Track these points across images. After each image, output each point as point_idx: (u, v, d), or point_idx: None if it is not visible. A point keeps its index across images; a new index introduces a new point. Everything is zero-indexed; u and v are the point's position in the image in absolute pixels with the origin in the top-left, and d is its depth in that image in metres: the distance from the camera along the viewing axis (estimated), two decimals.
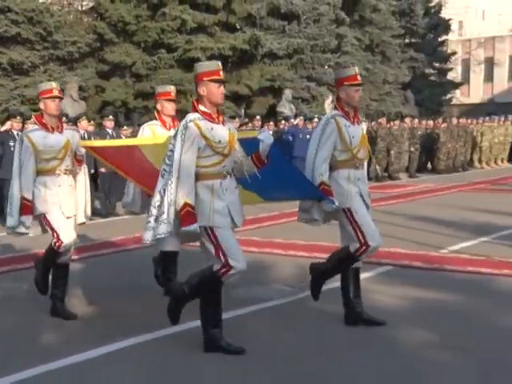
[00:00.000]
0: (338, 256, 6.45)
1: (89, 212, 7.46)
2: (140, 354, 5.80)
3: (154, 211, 5.57)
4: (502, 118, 28.31)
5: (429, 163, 25.79)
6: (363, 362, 5.33)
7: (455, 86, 46.45)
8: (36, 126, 7.12)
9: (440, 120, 25.81)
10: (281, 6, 28.31)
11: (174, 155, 5.52)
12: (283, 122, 21.41)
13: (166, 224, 5.47)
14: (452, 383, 5.14)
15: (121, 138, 13.82)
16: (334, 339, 5.84)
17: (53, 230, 6.89)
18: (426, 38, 41.99)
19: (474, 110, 51.78)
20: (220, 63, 5.91)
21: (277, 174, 5.89)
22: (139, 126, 17.86)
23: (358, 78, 6.49)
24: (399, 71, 36.71)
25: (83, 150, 7.15)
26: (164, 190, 5.52)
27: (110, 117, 15.29)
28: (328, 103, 28.72)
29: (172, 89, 7.95)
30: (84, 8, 28.23)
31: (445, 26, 44.06)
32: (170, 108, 7.75)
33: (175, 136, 5.60)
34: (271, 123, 20.12)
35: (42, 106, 7.02)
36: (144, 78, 25.60)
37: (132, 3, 25.84)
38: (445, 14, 44.88)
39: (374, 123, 24.14)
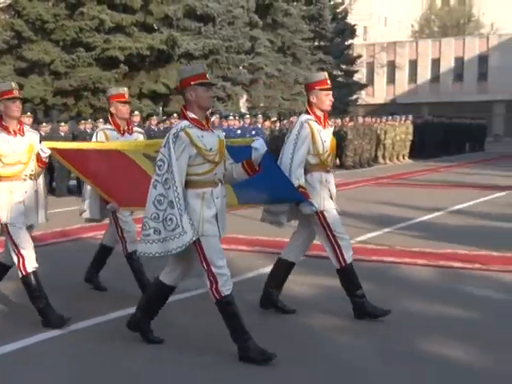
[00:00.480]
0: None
1: (45, 215, 6.65)
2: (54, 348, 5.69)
3: (151, 223, 5.18)
4: (403, 118, 29.02)
5: (337, 159, 26.04)
6: (275, 347, 5.32)
7: (361, 87, 47.54)
8: None
9: (347, 119, 26.14)
10: (197, 8, 28.28)
11: (170, 165, 5.12)
12: None
13: (183, 235, 5.11)
14: (357, 361, 5.21)
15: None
16: (249, 326, 5.83)
17: (17, 248, 6.21)
18: (334, 42, 42.61)
19: (378, 110, 52.90)
20: (205, 66, 5.70)
21: (263, 178, 5.59)
22: (58, 122, 17.76)
23: (328, 82, 6.32)
24: (309, 72, 37.05)
25: (48, 152, 6.53)
26: (158, 202, 5.15)
27: (28, 113, 14.74)
28: (243, 102, 28.77)
29: (125, 90, 7.43)
30: (1, 5, 27.46)
31: (351, 31, 45.07)
32: (124, 110, 7.22)
33: (165, 145, 5.19)
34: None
35: (1, 108, 6.26)
36: (63, 76, 25.15)
37: (50, 2, 25.48)
38: (351, 19, 45.89)
39: (285, 121, 24.26)
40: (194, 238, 5.13)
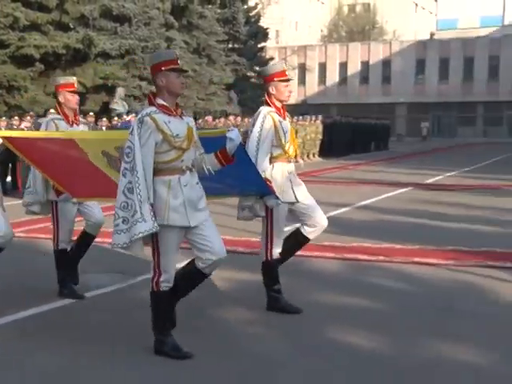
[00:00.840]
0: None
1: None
2: None
3: (120, 213, 4.89)
4: (314, 118, 29.41)
5: None
6: (188, 341, 5.26)
7: None
8: None
9: None
10: (113, 8, 27.98)
11: (134, 152, 4.85)
12: (116, 118, 21.17)
13: (141, 223, 4.81)
14: (270, 353, 5.19)
15: None
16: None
17: None
18: (248, 44, 42.81)
19: (290, 110, 52.88)
20: (177, 52, 5.42)
21: (232, 170, 5.37)
22: None
23: (286, 73, 6.18)
24: (224, 73, 37.18)
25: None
26: (128, 190, 4.85)
27: None
28: None
29: (74, 80, 7.02)
30: None
31: (263, 34, 45.42)
32: (73, 100, 6.83)
33: (132, 132, 4.91)
34: (104, 119, 19.71)
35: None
36: None
37: None
38: (263, 23, 46.27)
39: (200, 120, 24.21)
40: (154, 230, 4.85)
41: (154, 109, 5.00)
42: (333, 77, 66.62)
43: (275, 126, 6.04)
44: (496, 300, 6.61)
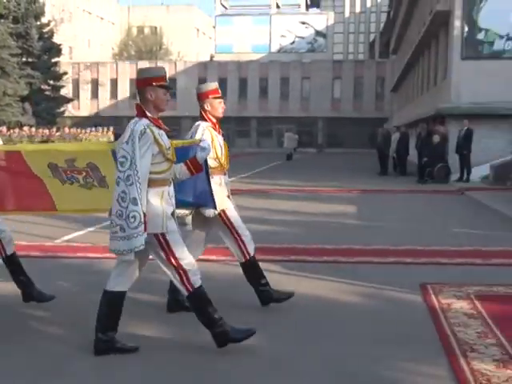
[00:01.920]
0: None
1: None
2: None
3: (117, 221, 4.56)
4: (106, 129, 29.18)
5: None
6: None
7: (67, 100, 47.37)
8: None
9: (54, 129, 25.59)
10: None
11: (134, 162, 4.53)
12: None
13: (142, 236, 4.56)
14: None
15: None
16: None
17: None
18: (42, 59, 41.63)
19: (84, 122, 52.37)
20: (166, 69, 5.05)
21: (189, 180, 5.25)
22: None
23: (219, 91, 6.00)
24: (18, 86, 35.87)
25: None
26: (122, 199, 4.53)
27: None
28: None
29: None
30: None
31: (57, 50, 44.58)
32: None
33: (128, 142, 4.58)
34: None
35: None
36: None
37: None
38: (57, 39, 45.32)
39: None
40: (144, 246, 4.61)
41: (148, 121, 4.70)
42: (124, 91, 66.11)
43: (213, 140, 5.84)
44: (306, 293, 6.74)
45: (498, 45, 23.07)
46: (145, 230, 4.60)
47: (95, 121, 44.46)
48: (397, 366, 4.59)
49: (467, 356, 4.71)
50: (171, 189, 4.90)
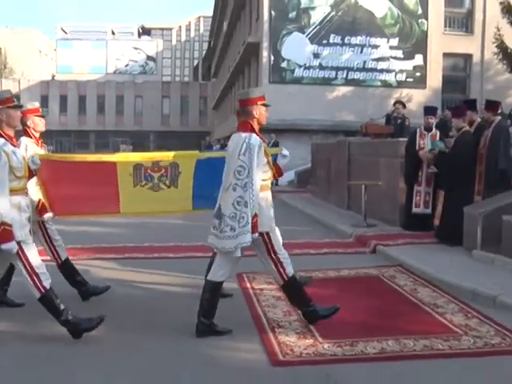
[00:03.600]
0: None
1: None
2: None
3: (229, 221, 4.64)
4: None
5: None
6: None
7: None
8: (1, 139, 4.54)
9: None
10: None
11: (251, 171, 4.64)
12: None
13: (247, 234, 4.66)
14: None
15: None
16: None
17: (32, 269, 4.56)
18: None
19: None
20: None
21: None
22: None
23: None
24: None
25: (39, 162, 5.00)
26: (237, 202, 4.63)
27: None
28: None
29: (39, 105, 5.90)
30: None
31: None
32: (41, 124, 5.76)
33: (245, 153, 4.67)
34: None
35: (2, 115, 4.54)
36: None
37: None
38: None
39: None
40: (250, 243, 4.73)
41: (258, 137, 4.82)
42: None
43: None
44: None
45: (298, 72, 24.18)
46: (255, 230, 4.71)
47: None
48: (217, 345, 4.70)
49: (275, 331, 4.96)
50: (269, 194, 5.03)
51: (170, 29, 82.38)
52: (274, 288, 6.36)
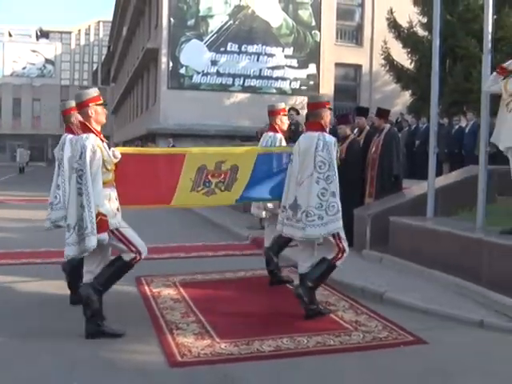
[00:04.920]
0: None
1: None
2: None
3: (316, 211, 4.99)
4: None
5: None
6: None
7: None
8: (91, 134, 4.64)
9: None
10: None
11: (332, 165, 5.10)
12: None
13: (338, 221, 5.09)
14: None
15: None
16: None
17: (131, 244, 4.80)
18: None
19: None
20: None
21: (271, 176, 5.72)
22: None
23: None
24: None
25: (119, 156, 4.93)
26: (322, 194, 5.00)
27: None
28: None
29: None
30: None
31: None
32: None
33: (323, 149, 5.10)
34: None
35: (91, 112, 4.65)
36: None
37: None
38: None
39: None
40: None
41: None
42: None
43: None
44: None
45: (196, 79, 24.11)
46: None
47: None
48: (114, 348, 4.58)
49: (173, 333, 4.89)
50: None
51: (69, 32, 79.93)
52: (172, 290, 6.29)
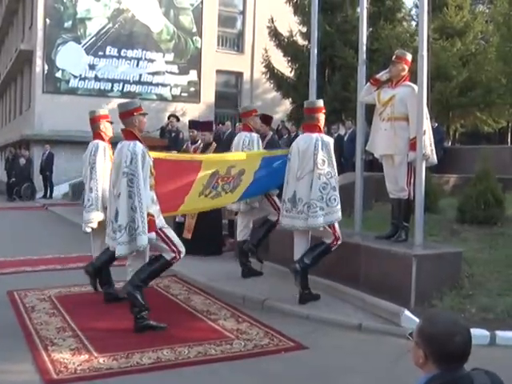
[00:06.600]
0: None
1: None
2: None
3: (318, 203, 5.61)
4: None
5: None
6: None
7: None
8: (137, 141, 5.04)
9: None
10: None
11: (331, 162, 5.72)
12: None
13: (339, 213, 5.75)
14: None
15: None
16: None
17: (172, 244, 5.14)
18: None
19: None
20: None
21: (271, 173, 6.29)
22: None
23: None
24: None
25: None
26: (324, 188, 5.62)
27: None
28: None
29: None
30: None
31: None
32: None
33: (322, 148, 5.70)
34: None
35: (136, 121, 5.12)
36: None
37: None
38: None
39: None
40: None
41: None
42: None
43: None
44: None
45: (73, 83, 23.36)
46: None
47: None
48: None
49: (48, 349, 4.73)
50: None
51: None
52: (47, 304, 6.07)
